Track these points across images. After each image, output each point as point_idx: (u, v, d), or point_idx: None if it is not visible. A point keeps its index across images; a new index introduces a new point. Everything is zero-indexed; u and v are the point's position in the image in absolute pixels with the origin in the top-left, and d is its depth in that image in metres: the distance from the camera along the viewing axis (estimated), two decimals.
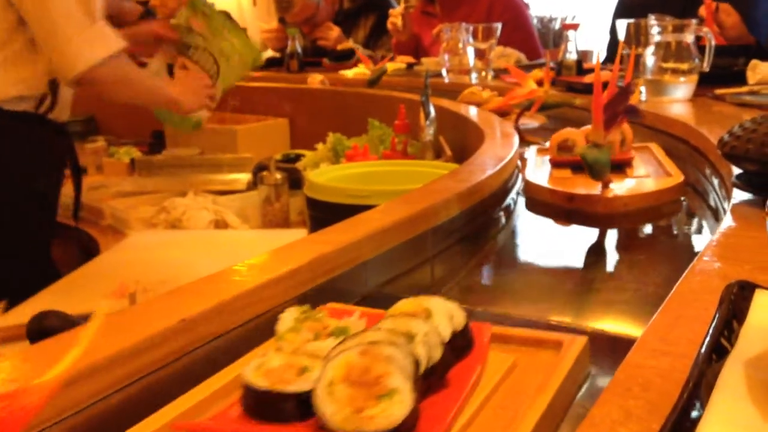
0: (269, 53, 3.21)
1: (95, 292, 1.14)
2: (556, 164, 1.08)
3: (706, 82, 1.51)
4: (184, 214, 1.59)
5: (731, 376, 0.30)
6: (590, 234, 0.93)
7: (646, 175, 1.02)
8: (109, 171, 2.28)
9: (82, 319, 0.83)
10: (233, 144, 2.14)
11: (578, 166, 1.01)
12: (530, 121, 1.59)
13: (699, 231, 0.92)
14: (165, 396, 0.40)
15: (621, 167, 1.04)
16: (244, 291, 0.51)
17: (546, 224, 0.99)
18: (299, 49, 2.84)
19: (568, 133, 1.09)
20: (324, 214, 1.00)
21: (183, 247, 1.43)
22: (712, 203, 0.95)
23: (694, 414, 0.28)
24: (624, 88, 0.88)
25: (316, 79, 2.41)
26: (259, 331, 0.52)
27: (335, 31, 3.08)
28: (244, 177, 1.90)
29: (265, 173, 1.62)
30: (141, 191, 1.90)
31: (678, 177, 0.98)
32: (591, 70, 1.98)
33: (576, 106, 1.51)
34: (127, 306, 0.95)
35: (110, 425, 0.40)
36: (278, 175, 1.60)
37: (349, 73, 2.59)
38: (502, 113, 1.57)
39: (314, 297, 0.58)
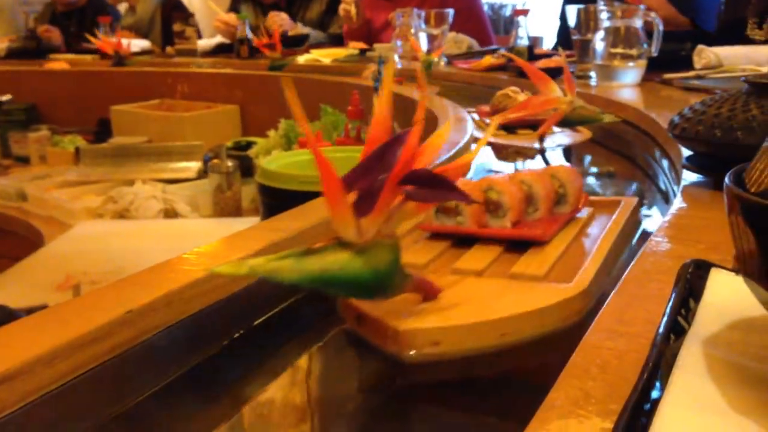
0: (219, 39, 3.16)
1: (40, 284, 1.11)
2: (433, 236, 0.64)
3: (654, 67, 1.53)
4: (132, 203, 1.55)
5: (690, 355, 0.30)
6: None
7: (537, 275, 0.55)
8: (53, 160, 2.21)
9: (27, 312, 0.80)
10: (182, 132, 2.10)
11: (464, 240, 0.62)
12: (565, 136, 1.18)
13: (649, 214, 0.93)
14: (109, 391, 0.38)
15: (526, 246, 0.60)
16: (193, 280, 0.49)
17: None
18: (250, 35, 2.80)
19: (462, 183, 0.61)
20: (277, 201, 0.98)
21: (132, 237, 1.40)
22: (662, 186, 0.96)
23: (655, 394, 0.27)
24: (399, 135, 0.47)
25: (369, 70, 1.96)
26: (210, 322, 0.51)
27: (283, 15, 3.07)
28: (194, 165, 1.86)
29: (216, 161, 1.59)
30: (87, 181, 1.85)
31: (579, 285, 0.51)
32: (543, 56, 1.99)
33: (605, 123, 1.14)
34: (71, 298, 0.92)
35: (51, 423, 0.39)
36: (230, 163, 1.58)
37: (301, 59, 2.56)
38: (531, 125, 1.19)
39: (268, 286, 0.56)
